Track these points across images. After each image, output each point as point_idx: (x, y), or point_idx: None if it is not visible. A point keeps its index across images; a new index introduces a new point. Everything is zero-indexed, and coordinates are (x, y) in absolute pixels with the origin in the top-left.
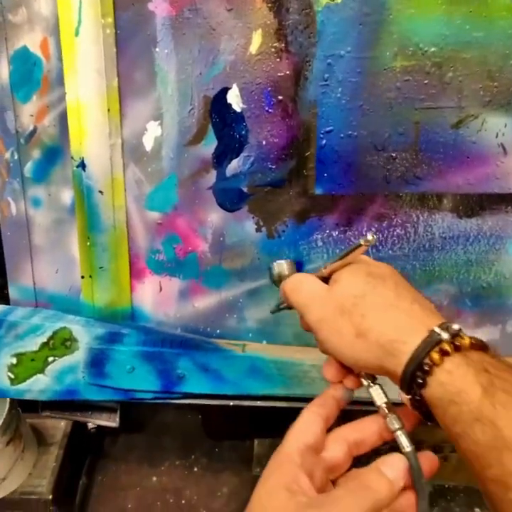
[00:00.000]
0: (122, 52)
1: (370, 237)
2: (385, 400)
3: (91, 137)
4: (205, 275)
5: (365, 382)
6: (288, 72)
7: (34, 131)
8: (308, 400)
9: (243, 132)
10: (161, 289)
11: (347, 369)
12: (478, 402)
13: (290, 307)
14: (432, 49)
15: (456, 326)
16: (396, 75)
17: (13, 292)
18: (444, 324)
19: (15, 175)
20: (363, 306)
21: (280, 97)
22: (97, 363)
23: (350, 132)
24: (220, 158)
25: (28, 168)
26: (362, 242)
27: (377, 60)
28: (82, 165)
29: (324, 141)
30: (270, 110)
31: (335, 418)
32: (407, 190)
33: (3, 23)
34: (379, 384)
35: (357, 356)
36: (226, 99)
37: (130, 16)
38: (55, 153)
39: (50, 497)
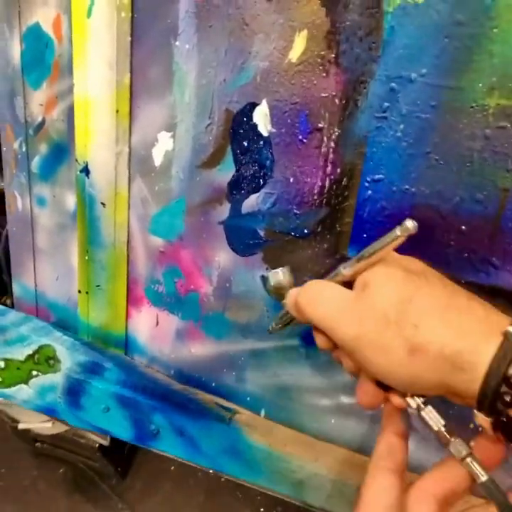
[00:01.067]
0: (138, 42)
1: (410, 224)
2: (443, 422)
3: (97, 140)
4: (205, 320)
5: (413, 404)
6: (334, 93)
7: (43, 122)
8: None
9: (267, 162)
10: (157, 323)
11: (385, 388)
12: None
13: (300, 323)
14: None
15: None
16: (487, 118)
17: (16, 289)
18: None
19: (22, 168)
20: (412, 314)
21: (320, 125)
22: (74, 392)
23: (406, 186)
24: (237, 190)
25: (35, 162)
26: (398, 232)
27: (462, 92)
28: (86, 170)
29: (369, 192)
30: (305, 140)
31: (407, 462)
32: (473, 278)
33: None
34: (432, 404)
35: (414, 376)
36: (252, 118)
37: None
38: (62, 151)
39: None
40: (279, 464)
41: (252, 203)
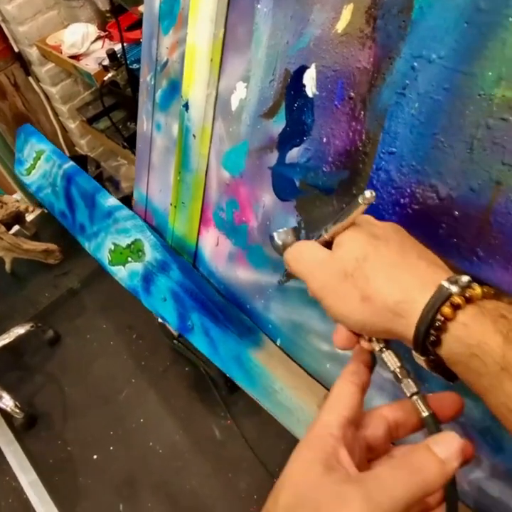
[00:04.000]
0: (232, 3)
1: (368, 194)
2: (399, 364)
3: (196, 82)
4: (249, 250)
5: (376, 347)
6: (367, 66)
7: (166, 62)
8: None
9: (309, 121)
10: (217, 244)
11: (357, 334)
12: (501, 351)
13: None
14: None
15: (465, 278)
16: (491, 108)
17: (135, 193)
18: (453, 277)
19: (150, 98)
20: (366, 269)
21: (352, 94)
22: (147, 280)
23: (413, 163)
24: (284, 141)
25: (158, 94)
26: (360, 200)
27: (473, 78)
28: (187, 106)
29: (383, 163)
30: (339, 105)
31: (369, 386)
32: (457, 264)
33: None
34: (392, 348)
35: (364, 321)
36: (302, 79)
37: None
38: (175, 87)
39: None
40: (274, 394)
41: (293, 155)
